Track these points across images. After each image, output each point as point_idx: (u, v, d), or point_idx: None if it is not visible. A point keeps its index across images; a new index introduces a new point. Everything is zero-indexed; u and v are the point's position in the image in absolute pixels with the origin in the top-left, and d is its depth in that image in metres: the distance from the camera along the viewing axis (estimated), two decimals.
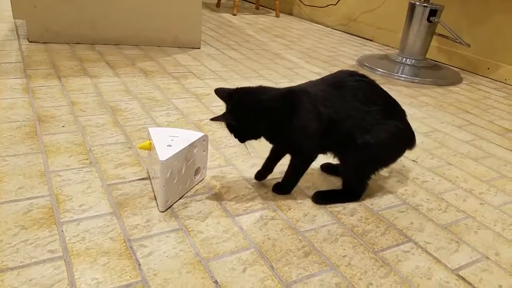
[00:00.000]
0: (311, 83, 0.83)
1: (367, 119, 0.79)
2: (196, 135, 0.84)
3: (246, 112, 0.77)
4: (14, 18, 1.66)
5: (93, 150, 0.97)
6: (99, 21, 1.79)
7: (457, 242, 0.79)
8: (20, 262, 0.63)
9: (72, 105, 1.20)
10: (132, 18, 1.83)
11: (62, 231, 0.71)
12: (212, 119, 0.77)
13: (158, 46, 1.93)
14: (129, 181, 0.87)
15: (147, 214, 0.78)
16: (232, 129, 0.80)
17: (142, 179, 0.88)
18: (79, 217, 0.75)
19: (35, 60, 1.53)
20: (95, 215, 0.76)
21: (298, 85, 0.84)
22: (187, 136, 0.83)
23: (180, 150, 0.78)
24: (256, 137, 0.82)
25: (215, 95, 0.81)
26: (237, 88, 0.80)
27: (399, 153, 0.88)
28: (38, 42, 1.74)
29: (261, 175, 0.92)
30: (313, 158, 0.85)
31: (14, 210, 0.74)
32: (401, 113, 0.85)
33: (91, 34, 1.80)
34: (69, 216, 0.75)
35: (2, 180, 0.82)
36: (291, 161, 0.87)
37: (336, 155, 0.86)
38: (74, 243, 0.69)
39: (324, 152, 0.86)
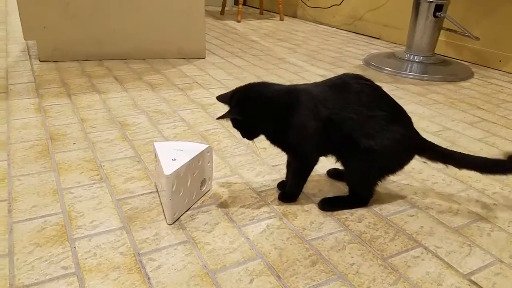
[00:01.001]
0: (314, 84, 0.84)
1: (370, 123, 0.79)
2: (200, 147, 0.86)
3: (249, 105, 0.79)
4: (24, 39, 1.71)
5: (103, 166, 1.00)
6: (105, 37, 1.83)
7: (469, 245, 0.78)
8: (35, 279, 0.65)
9: (82, 122, 1.23)
10: (136, 32, 1.87)
11: (75, 247, 0.73)
12: (218, 118, 0.79)
13: (164, 59, 1.95)
14: (138, 195, 0.89)
15: (156, 227, 0.79)
16: (238, 125, 0.81)
17: (151, 192, 0.90)
18: (91, 233, 0.77)
19: (46, 79, 1.58)
20: (106, 230, 0.78)
21: (301, 85, 0.84)
22: (191, 149, 0.84)
23: (185, 163, 0.79)
24: (262, 132, 0.82)
25: (220, 104, 0.83)
26: (237, 88, 0.82)
27: (405, 160, 0.86)
28: (49, 61, 1.78)
29: (284, 186, 0.93)
30: (313, 160, 0.85)
31: (29, 229, 0.77)
32: (407, 120, 0.84)
33: (98, 51, 1.84)
34: (81, 232, 0.77)
35: (17, 200, 0.85)
36: (293, 166, 0.87)
37: (338, 159, 0.86)
38: (86, 259, 0.70)
39: (325, 154, 0.86)
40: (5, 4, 3.31)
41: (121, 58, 1.89)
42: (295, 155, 0.85)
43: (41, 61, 1.78)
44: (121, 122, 1.24)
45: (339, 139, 0.80)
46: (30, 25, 1.69)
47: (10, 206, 0.83)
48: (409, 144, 0.84)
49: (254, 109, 0.79)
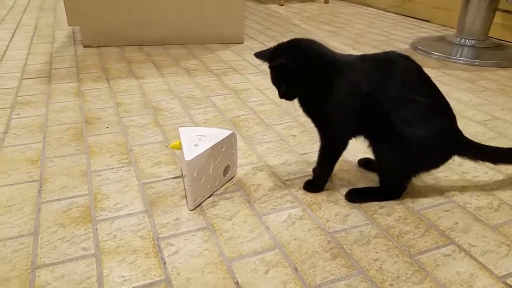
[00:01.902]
0: (360, 56, 0.79)
1: (410, 109, 0.73)
2: (223, 133, 0.84)
3: (296, 55, 0.75)
4: (69, 25, 1.78)
5: (133, 150, 1.01)
6: (146, 22, 1.86)
7: (508, 245, 0.71)
8: (55, 259, 0.68)
9: (117, 106, 1.26)
10: (176, 17, 1.88)
11: (97, 229, 0.74)
12: (270, 66, 0.76)
13: (202, 44, 1.95)
14: (163, 180, 0.89)
15: (177, 212, 0.79)
16: (278, 80, 0.78)
17: (176, 177, 0.90)
18: (114, 215, 0.78)
19: (87, 64, 1.63)
20: (129, 213, 0.79)
21: (347, 56, 0.80)
22: (215, 135, 0.83)
23: (206, 150, 0.78)
24: (301, 91, 0.78)
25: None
26: (278, 43, 0.79)
27: (441, 159, 0.79)
28: (92, 47, 1.85)
29: None
30: (342, 140, 0.80)
31: (56, 209, 0.80)
32: (452, 118, 0.78)
33: (139, 36, 1.87)
34: (104, 214, 0.78)
35: (48, 180, 0.89)
36: (320, 149, 0.83)
37: (370, 143, 0.80)
38: (106, 241, 0.72)
39: (356, 135, 0.80)
40: None
41: (161, 44, 1.91)
42: (325, 130, 0.81)
43: (84, 47, 1.84)
44: (155, 107, 1.26)
45: (375, 118, 0.75)
46: (73, 11, 1.75)
47: (40, 186, 0.87)
48: (448, 143, 0.77)
49: (300, 60, 0.74)
